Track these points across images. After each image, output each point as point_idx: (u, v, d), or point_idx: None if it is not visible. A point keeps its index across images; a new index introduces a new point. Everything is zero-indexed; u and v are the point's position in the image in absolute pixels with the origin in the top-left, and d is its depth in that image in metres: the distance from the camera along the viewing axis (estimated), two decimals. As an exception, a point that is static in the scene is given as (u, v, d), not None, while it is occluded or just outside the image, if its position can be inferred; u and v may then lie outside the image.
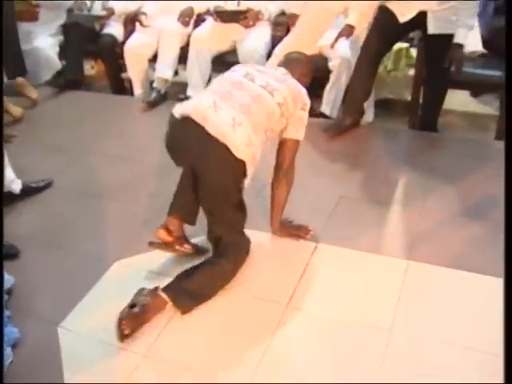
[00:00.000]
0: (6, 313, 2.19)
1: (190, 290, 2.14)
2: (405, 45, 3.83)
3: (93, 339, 2.08)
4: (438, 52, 3.16)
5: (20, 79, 4.21)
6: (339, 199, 2.81)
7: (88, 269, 2.43)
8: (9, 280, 2.36)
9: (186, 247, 2.37)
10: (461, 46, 3.03)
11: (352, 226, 2.60)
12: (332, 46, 3.30)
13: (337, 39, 3.26)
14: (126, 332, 2.02)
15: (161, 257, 2.43)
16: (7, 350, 2.05)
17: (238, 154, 2.06)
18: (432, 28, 3.10)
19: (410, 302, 2.14)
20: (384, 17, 3.18)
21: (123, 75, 4.58)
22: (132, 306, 2.09)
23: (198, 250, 2.40)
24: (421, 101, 3.64)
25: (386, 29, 3.19)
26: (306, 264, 2.38)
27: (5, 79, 4.11)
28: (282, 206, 2.43)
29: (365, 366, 1.89)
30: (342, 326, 2.06)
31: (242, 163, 2.08)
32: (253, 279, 2.29)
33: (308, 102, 2.26)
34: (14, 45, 4.19)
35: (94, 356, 2.01)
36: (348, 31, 3.24)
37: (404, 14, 3.11)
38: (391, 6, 3.15)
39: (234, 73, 2.27)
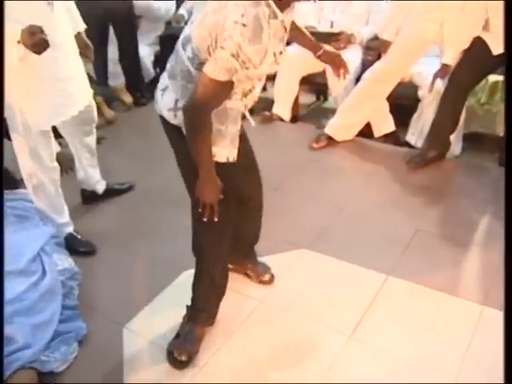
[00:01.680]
0: (76, 312, 2.28)
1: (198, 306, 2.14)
2: (501, 78, 3.68)
3: (154, 344, 2.12)
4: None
5: (118, 84, 4.42)
6: (416, 233, 2.72)
7: (158, 275, 2.48)
8: (77, 276, 2.44)
9: None
10: None
11: (426, 262, 2.52)
12: (430, 90, 3.27)
13: (434, 81, 3.21)
14: (184, 359, 2.04)
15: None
16: (74, 345, 2.13)
17: (170, 120, 1.87)
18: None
19: (481, 351, 2.03)
20: (477, 48, 3.08)
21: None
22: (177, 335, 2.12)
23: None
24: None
25: (479, 60, 3.08)
26: (374, 295, 2.32)
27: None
28: None
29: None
30: (405, 364, 1.99)
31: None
32: (317, 304, 2.26)
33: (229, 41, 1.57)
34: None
35: (153, 360, 2.05)
36: (444, 71, 3.18)
37: (498, 46, 3.00)
38: (485, 36, 3.05)
39: None
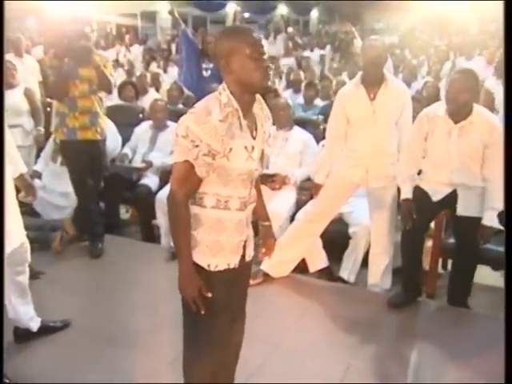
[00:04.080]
0: None
1: None
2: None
3: None
4: (467, 232, 3.31)
5: (67, 219, 4.55)
6: (348, 367, 2.79)
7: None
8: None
9: None
10: (489, 228, 3.19)
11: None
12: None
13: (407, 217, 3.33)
14: None
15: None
16: None
17: None
18: (461, 209, 3.27)
19: None
20: (419, 196, 3.35)
21: (154, 222, 4.81)
22: None
23: None
24: (440, 270, 3.73)
25: (422, 208, 3.32)
26: None
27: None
28: None
29: None
30: None
31: None
32: None
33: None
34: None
35: None
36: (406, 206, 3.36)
37: (437, 194, 3.31)
38: (423, 185, 3.36)
39: None
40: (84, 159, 4.13)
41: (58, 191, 4.82)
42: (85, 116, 4.04)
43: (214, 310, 1.94)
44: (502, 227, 3.58)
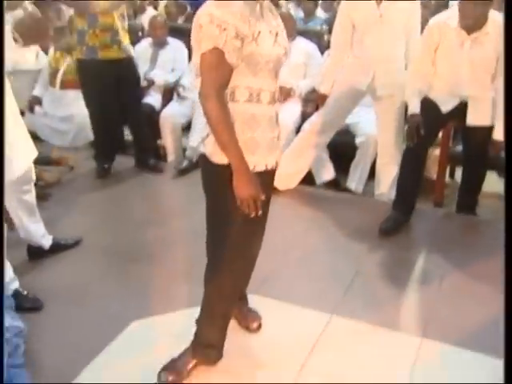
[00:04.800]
0: (23, 370, 2.23)
1: (205, 341, 2.15)
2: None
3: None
4: (477, 142, 3.26)
5: (55, 148, 4.50)
6: (356, 274, 2.84)
7: (107, 326, 2.48)
8: (22, 333, 2.40)
9: None
10: (500, 142, 3.08)
11: (367, 301, 2.62)
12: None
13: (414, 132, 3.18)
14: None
15: (178, 319, 2.49)
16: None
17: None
18: (471, 119, 3.18)
19: (422, 381, 2.12)
20: (428, 108, 3.22)
21: (159, 142, 4.77)
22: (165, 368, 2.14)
23: None
24: (447, 179, 3.69)
25: (430, 120, 3.20)
26: (319, 335, 2.39)
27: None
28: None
29: None
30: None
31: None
32: (263, 347, 2.31)
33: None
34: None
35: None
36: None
37: (446, 104, 3.21)
38: (433, 96, 3.24)
39: None
40: (106, 81, 3.94)
41: (59, 116, 4.78)
42: (106, 34, 3.85)
43: (249, 218, 1.83)
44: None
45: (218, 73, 1.71)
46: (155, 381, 2.13)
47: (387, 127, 3.58)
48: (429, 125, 3.19)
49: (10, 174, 2.54)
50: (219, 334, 2.15)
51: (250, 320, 2.43)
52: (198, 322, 2.17)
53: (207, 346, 2.15)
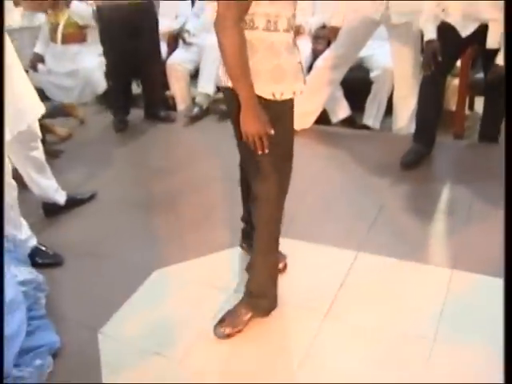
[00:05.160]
0: (46, 321, 2.22)
1: (257, 292, 2.09)
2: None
3: (131, 346, 2.08)
4: (498, 66, 3.05)
5: (69, 102, 4.39)
6: (381, 209, 2.75)
7: (128, 277, 2.44)
8: (43, 287, 2.38)
9: None
10: None
11: (393, 235, 2.55)
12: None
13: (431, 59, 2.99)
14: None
15: (200, 266, 2.44)
16: (48, 358, 2.06)
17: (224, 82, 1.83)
18: (492, 42, 2.99)
19: (454, 312, 2.06)
20: (445, 33, 3.03)
21: (167, 93, 4.65)
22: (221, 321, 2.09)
23: None
24: (467, 111, 3.55)
25: (448, 45, 3.02)
26: (346, 273, 2.33)
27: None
28: None
29: (405, 377, 1.82)
30: (383, 337, 1.99)
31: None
32: (291, 287, 2.25)
33: None
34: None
35: (131, 362, 2.01)
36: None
37: (466, 28, 3.04)
38: (451, 20, 3.04)
39: None
40: (125, 27, 3.81)
41: (63, 72, 4.65)
42: None
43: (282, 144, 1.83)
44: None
45: (240, 1, 1.60)
46: (180, 329, 2.11)
47: (403, 57, 3.43)
48: (447, 51, 3.01)
49: (23, 124, 2.47)
50: (271, 281, 2.09)
51: None
52: (249, 270, 2.13)
53: (260, 296, 2.09)
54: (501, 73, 2.91)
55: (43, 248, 2.63)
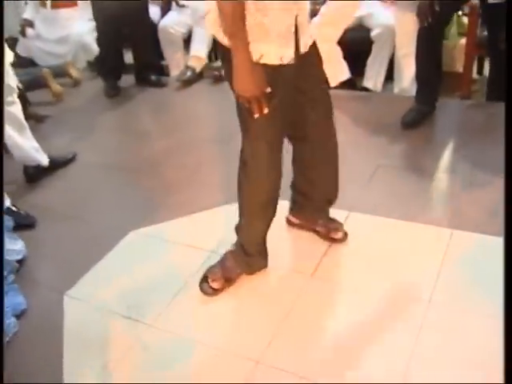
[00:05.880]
0: (14, 285, 2.08)
1: (246, 249, 1.93)
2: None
3: (99, 308, 1.92)
4: (501, 20, 2.87)
5: (69, 61, 4.25)
6: (377, 168, 2.56)
7: (103, 239, 2.28)
8: (21, 251, 2.26)
9: None
10: None
11: (390, 194, 2.36)
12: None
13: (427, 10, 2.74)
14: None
15: (179, 227, 2.28)
16: (12, 320, 1.95)
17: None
18: None
19: (452, 273, 1.88)
20: None
21: (163, 63, 4.46)
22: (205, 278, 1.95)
23: None
24: (475, 75, 3.33)
25: None
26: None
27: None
28: None
29: (399, 339, 1.65)
30: (375, 298, 1.82)
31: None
32: (277, 248, 2.07)
33: None
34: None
35: (95, 326, 1.86)
36: None
37: None
38: None
39: None
40: None
41: (54, 38, 4.48)
42: None
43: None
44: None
45: None
46: (152, 292, 1.96)
47: (405, 13, 3.20)
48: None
49: None
50: (260, 239, 1.92)
51: (332, 230, 2.12)
52: (237, 228, 1.94)
53: (248, 254, 1.93)
54: None
55: (14, 209, 2.48)
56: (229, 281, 1.93)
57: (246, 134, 1.71)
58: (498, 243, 1.97)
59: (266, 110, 1.55)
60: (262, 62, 1.53)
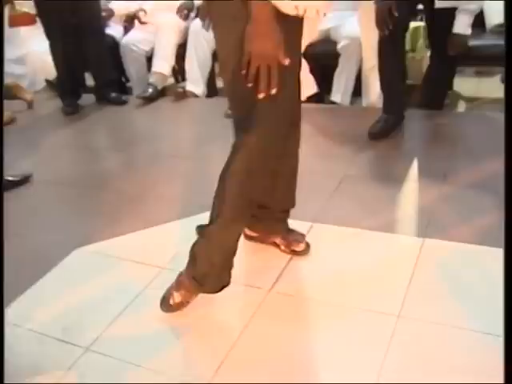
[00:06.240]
0: None
1: (208, 268, 1.64)
2: (421, 24, 3.44)
3: (31, 331, 1.71)
4: (445, 27, 2.89)
5: (14, 82, 4.02)
6: (343, 178, 2.41)
7: (44, 257, 2.07)
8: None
9: None
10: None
11: (356, 204, 2.21)
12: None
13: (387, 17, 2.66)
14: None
15: (128, 243, 2.10)
16: None
17: None
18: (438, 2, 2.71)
19: (423, 285, 1.71)
20: None
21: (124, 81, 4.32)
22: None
23: None
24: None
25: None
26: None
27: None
28: None
29: (367, 355, 1.47)
30: (339, 313, 1.64)
31: None
32: (240, 264, 1.88)
33: None
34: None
35: (28, 350, 1.64)
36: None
37: None
38: None
39: None
40: (65, 9, 3.52)
41: (12, 58, 4.29)
42: None
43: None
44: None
45: None
46: (92, 313, 1.75)
47: (372, 24, 3.10)
48: (403, 4, 2.65)
49: None
50: (232, 249, 1.65)
51: (292, 243, 1.94)
52: (204, 237, 1.63)
53: (209, 273, 1.64)
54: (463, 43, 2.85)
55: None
56: (189, 298, 1.69)
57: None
58: (471, 250, 1.85)
59: (274, 90, 1.35)
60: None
